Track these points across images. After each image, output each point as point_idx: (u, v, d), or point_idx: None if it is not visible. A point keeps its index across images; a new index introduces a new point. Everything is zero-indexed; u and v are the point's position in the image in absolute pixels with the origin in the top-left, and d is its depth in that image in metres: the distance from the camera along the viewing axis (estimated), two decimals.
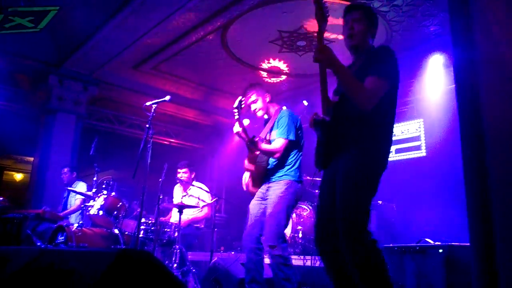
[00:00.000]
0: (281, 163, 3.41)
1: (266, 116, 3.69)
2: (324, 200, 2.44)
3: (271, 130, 3.54)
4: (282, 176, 3.39)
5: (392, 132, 2.40)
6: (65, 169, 6.17)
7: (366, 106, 2.25)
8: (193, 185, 5.53)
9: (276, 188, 3.35)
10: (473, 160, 1.93)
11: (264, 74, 7.32)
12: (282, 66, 7.00)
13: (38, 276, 1.53)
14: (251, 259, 3.30)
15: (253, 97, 3.60)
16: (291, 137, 3.37)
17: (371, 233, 2.19)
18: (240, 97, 3.28)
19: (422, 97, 6.67)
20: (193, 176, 5.66)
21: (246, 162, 3.56)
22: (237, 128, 3.34)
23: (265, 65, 7.03)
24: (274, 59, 6.83)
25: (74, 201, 5.95)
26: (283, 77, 7.41)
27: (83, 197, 5.26)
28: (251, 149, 3.46)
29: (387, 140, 2.38)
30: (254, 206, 3.47)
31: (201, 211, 5.44)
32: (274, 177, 3.42)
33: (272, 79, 7.47)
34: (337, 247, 2.29)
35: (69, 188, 5.60)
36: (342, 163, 2.31)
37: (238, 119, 3.28)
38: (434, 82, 6.36)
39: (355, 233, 2.16)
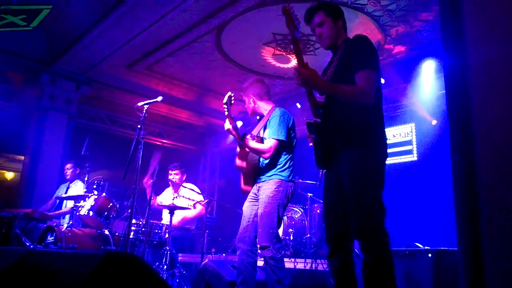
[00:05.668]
0: (272, 162, 3.39)
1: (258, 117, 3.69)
2: (330, 204, 2.43)
3: (264, 128, 3.52)
4: (272, 175, 3.36)
5: (383, 117, 2.40)
6: (68, 165, 6.02)
7: (369, 101, 2.27)
8: (184, 187, 5.52)
9: (267, 187, 3.33)
10: (462, 164, 1.94)
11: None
12: None
13: (23, 277, 1.51)
14: (243, 261, 3.29)
15: (244, 98, 3.61)
16: (281, 137, 3.34)
17: (387, 233, 2.17)
18: (229, 93, 3.25)
19: (414, 102, 6.71)
20: (184, 178, 5.66)
21: (237, 159, 3.54)
22: (227, 125, 3.33)
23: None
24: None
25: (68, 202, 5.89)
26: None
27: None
28: (241, 146, 3.46)
29: (381, 127, 2.38)
30: (247, 207, 3.46)
31: (193, 209, 5.43)
32: (264, 176, 3.39)
33: None
34: (348, 249, 2.33)
35: (59, 196, 5.59)
36: (345, 162, 2.30)
37: (229, 115, 3.25)
38: (426, 87, 6.40)
39: (370, 232, 2.16)
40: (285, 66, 6.95)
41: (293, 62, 6.80)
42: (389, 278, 2.14)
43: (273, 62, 6.83)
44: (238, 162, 3.53)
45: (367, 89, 2.24)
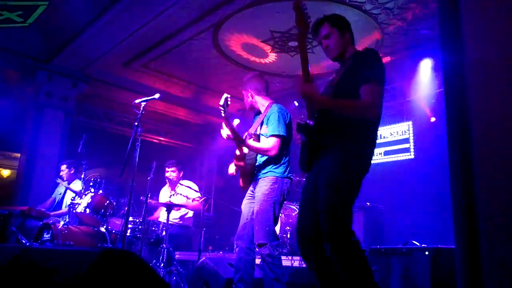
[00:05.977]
0: (268, 160, 3.38)
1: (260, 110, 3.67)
2: (305, 204, 2.42)
3: (261, 124, 3.50)
4: (267, 172, 3.35)
5: (376, 133, 2.37)
6: (63, 166, 5.96)
7: (372, 117, 2.23)
8: (181, 184, 5.52)
9: (262, 185, 3.32)
10: (460, 164, 1.94)
11: None
12: None
13: (20, 275, 1.51)
14: (241, 259, 3.29)
15: (243, 92, 3.61)
16: (282, 133, 3.33)
17: (354, 233, 2.18)
18: (225, 94, 3.24)
19: (412, 100, 6.72)
20: (181, 175, 5.65)
21: (234, 161, 3.53)
22: (225, 132, 3.31)
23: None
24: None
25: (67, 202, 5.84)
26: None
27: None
28: (240, 147, 3.44)
29: (370, 141, 2.35)
30: (245, 205, 3.46)
31: (191, 202, 5.45)
32: (260, 174, 3.39)
33: None
34: (320, 249, 2.28)
35: (60, 184, 5.54)
36: (324, 166, 2.29)
37: (225, 117, 3.23)
38: (424, 85, 6.41)
39: (339, 235, 2.15)
40: (262, 60, 6.91)
41: (271, 57, 6.77)
42: (365, 276, 2.13)
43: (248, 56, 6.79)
44: (235, 162, 3.53)
45: (371, 104, 2.20)
